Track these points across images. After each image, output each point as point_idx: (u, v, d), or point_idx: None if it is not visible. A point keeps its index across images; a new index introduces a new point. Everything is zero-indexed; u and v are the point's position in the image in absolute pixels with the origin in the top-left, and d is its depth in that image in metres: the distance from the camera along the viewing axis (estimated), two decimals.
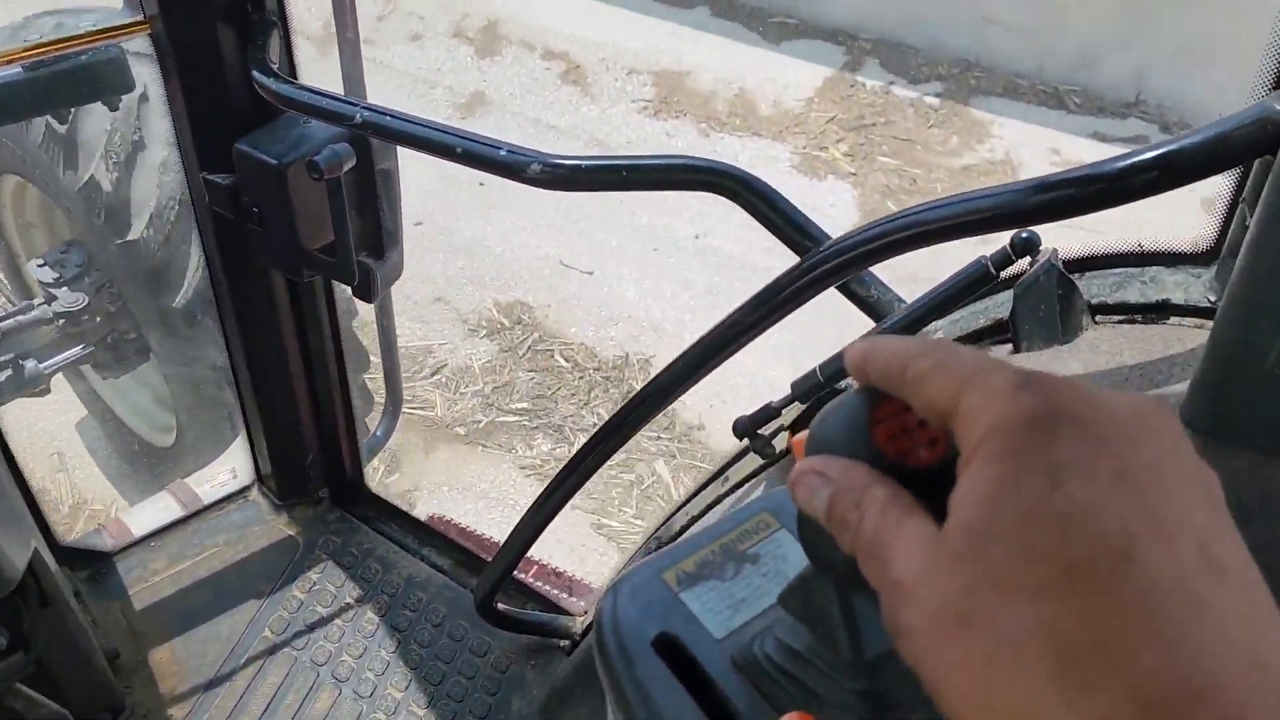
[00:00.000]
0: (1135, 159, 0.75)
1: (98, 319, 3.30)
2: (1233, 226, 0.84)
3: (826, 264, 0.95)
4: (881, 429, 0.49)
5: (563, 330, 3.85)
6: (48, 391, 3.29)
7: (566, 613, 1.84)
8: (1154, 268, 0.90)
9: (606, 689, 0.68)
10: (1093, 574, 0.34)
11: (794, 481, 0.49)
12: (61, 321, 3.24)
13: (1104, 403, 0.39)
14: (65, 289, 3.23)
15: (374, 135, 1.17)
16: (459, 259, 4.19)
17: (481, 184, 4.42)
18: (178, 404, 3.31)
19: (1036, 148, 4.79)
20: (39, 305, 3.24)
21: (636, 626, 0.67)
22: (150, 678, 1.74)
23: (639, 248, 4.24)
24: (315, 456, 2.02)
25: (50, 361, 3.27)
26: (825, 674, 0.60)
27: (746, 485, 1.30)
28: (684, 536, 0.75)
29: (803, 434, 0.56)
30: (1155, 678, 0.32)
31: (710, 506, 1.40)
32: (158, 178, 2.91)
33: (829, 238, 1.00)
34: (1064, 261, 0.91)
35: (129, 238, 2.96)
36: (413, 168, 1.66)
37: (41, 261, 3.26)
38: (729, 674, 0.65)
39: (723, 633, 0.67)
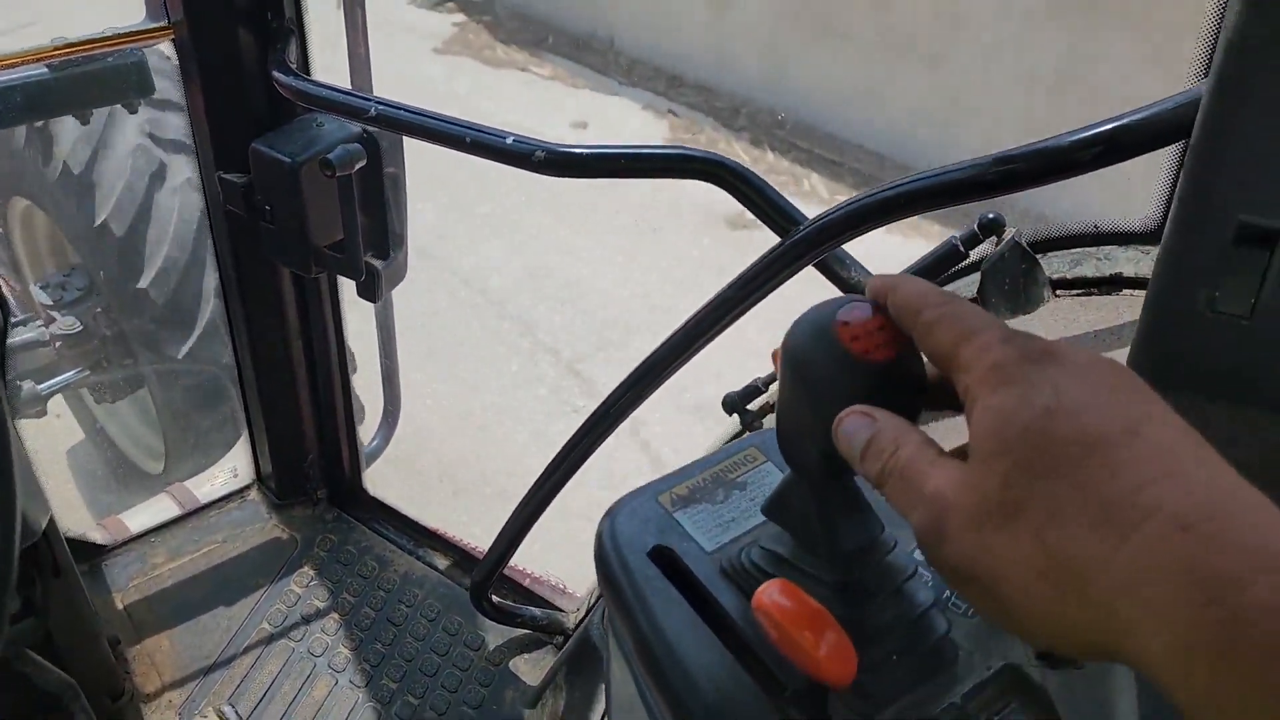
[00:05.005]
0: (1083, 135, 0.83)
1: (94, 343, 3.35)
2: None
3: (806, 241, 1.03)
4: (846, 330, 0.57)
5: None
6: (44, 413, 3.33)
7: (560, 609, 1.90)
8: (1108, 246, 0.98)
9: (606, 599, 0.75)
10: (1112, 445, 0.42)
11: (840, 420, 0.56)
12: (59, 344, 3.29)
13: (1074, 349, 0.49)
14: (62, 313, 3.28)
15: (387, 127, 1.25)
16: None
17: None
18: (168, 435, 3.35)
19: None
20: (37, 327, 3.29)
21: (634, 540, 0.74)
22: (149, 664, 1.78)
23: None
24: (315, 457, 2.07)
25: (47, 384, 3.31)
26: (805, 573, 0.66)
27: None
28: (676, 469, 0.82)
29: (778, 346, 0.64)
30: (1185, 504, 0.40)
31: None
32: (171, 228, 2.94)
33: (807, 219, 1.08)
34: (1027, 241, 1.00)
35: (139, 285, 2.99)
36: None
37: (44, 284, 3.32)
38: (718, 580, 0.71)
39: (713, 546, 0.74)
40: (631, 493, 0.77)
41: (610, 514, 0.76)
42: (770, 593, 0.58)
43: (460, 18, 7.07)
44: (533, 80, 6.37)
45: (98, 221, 2.99)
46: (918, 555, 0.75)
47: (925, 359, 0.56)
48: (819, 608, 0.58)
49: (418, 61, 6.41)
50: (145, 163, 2.96)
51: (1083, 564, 0.41)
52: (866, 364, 0.54)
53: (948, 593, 0.77)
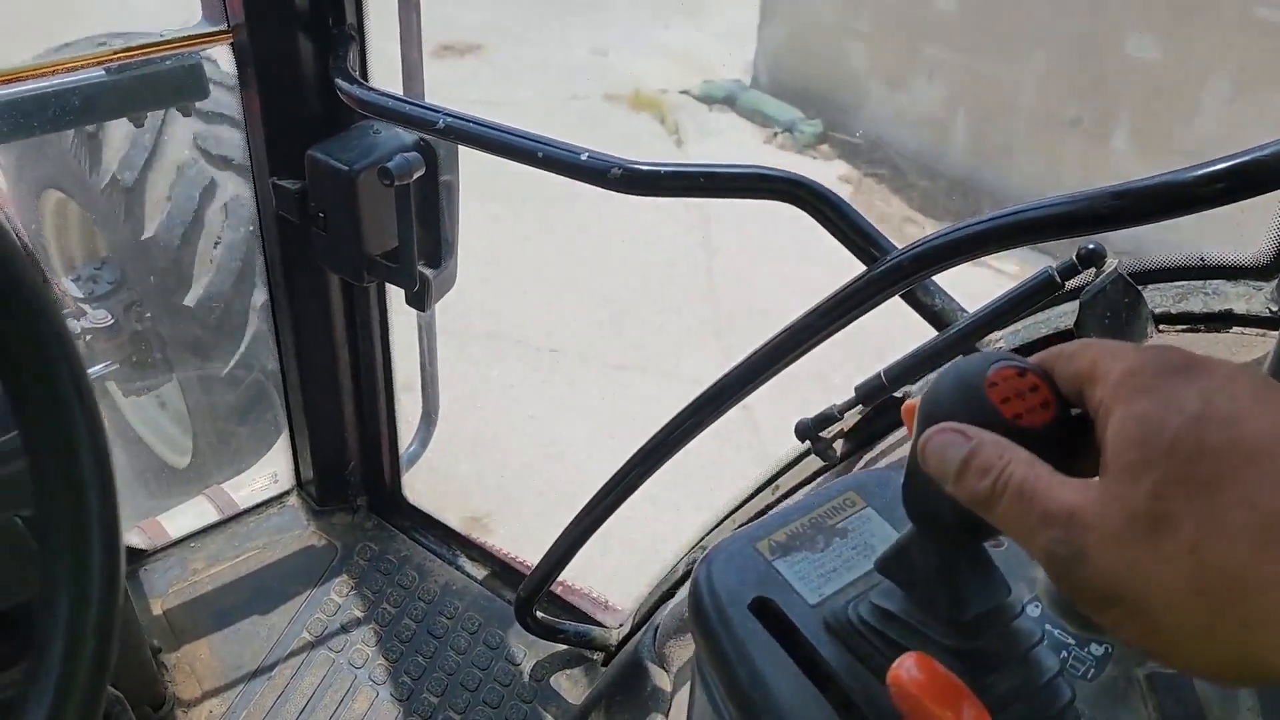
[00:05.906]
0: (1208, 169, 0.79)
1: (124, 336, 3.35)
2: None
3: (894, 271, 0.99)
4: (996, 391, 0.53)
5: None
6: None
7: (602, 625, 1.86)
8: (1216, 280, 0.94)
9: (702, 651, 0.71)
10: (1272, 456, 0.40)
11: (929, 437, 0.53)
12: (89, 337, 3.29)
13: (1215, 360, 0.46)
14: (93, 305, 3.29)
15: (457, 140, 1.22)
16: None
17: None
18: (196, 427, 3.35)
19: None
20: (68, 320, 3.28)
21: (733, 591, 0.70)
22: (189, 672, 1.76)
23: None
24: (356, 464, 2.05)
25: None
26: (920, 634, 0.63)
27: (799, 493, 1.33)
28: (772, 512, 0.78)
29: (913, 401, 0.60)
30: None
31: (757, 516, 1.43)
32: (173, 179, 2.94)
33: (895, 247, 1.04)
34: (1128, 273, 0.95)
35: (144, 236, 2.99)
36: None
37: (76, 277, 3.32)
38: (823, 636, 0.68)
39: (816, 599, 0.70)
40: (728, 538, 0.74)
41: (707, 560, 0.73)
42: (907, 666, 0.54)
43: (843, 168, 5.38)
44: (999, 279, 4.21)
45: (105, 180, 2.98)
46: (1033, 611, 0.72)
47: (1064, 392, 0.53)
48: (957, 682, 0.54)
49: (820, 241, 4.84)
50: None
51: (1244, 582, 0.39)
52: (1021, 430, 0.50)
53: (1064, 654, 0.73)
